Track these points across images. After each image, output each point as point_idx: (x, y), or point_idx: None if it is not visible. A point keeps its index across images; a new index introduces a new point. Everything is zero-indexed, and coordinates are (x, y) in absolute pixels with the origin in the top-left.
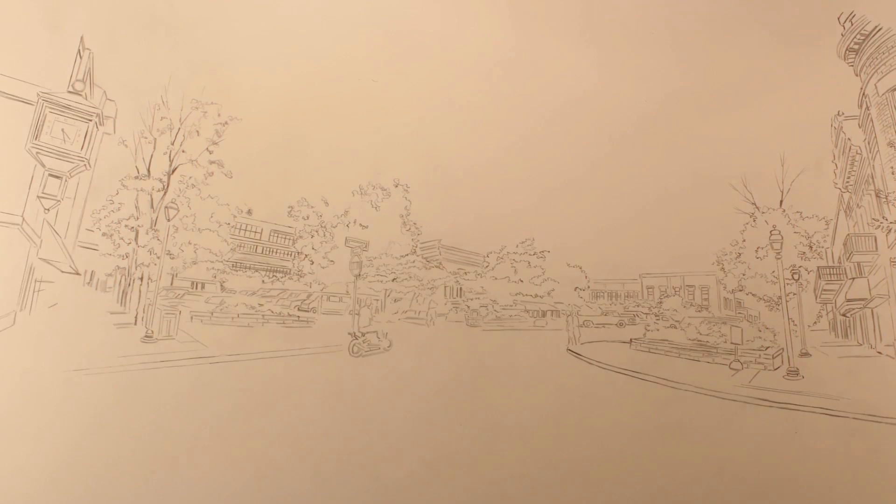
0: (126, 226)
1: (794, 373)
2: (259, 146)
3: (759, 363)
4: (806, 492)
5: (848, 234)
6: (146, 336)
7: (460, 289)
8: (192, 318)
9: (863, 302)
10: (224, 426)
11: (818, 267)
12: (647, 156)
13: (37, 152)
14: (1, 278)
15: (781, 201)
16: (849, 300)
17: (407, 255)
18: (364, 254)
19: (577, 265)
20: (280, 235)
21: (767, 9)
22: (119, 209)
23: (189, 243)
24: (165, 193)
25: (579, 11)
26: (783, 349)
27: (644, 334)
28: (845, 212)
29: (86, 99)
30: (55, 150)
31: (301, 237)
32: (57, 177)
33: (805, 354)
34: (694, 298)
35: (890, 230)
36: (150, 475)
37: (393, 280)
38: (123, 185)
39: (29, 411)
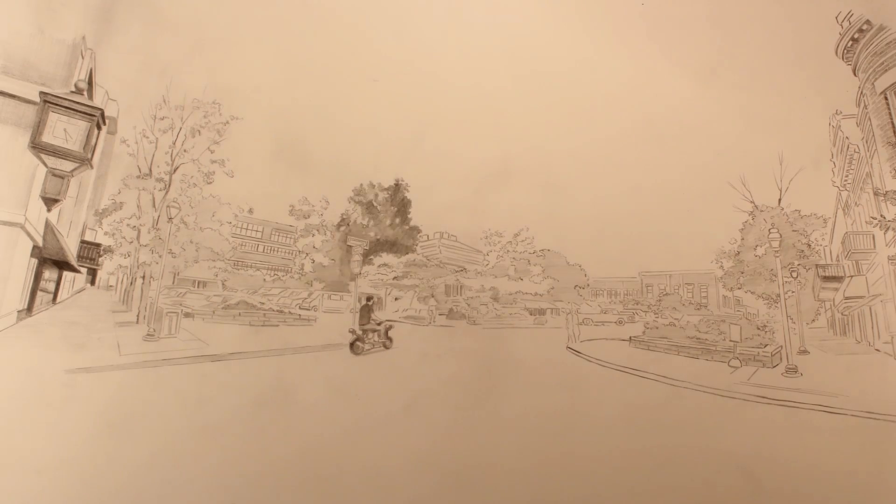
0: (128, 225)
1: (792, 370)
2: (260, 145)
3: (758, 361)
4: (804, 489)
5: (846, 233)
6: (148, 334)
7: (461, 287)
8: (193, 316)
9: (861, 300)
10: (226, 424)
11: (816, 265)
12: (646, 155)
13: (39, 152)
14: (3, 277)
15: (780, 200)
16: (847, 298)
17: (407, 254)
18: (365, 253)
19: (576, 263)
20: (281, 234)
21: (766, 8)
22: (121, 208)
23: (191, 242)
24: (167, 193)
25: (580, 10)
26: (782, 347)
27: (643, 332)
28: (843, 210)
29: (88, 98)
30: (57, 149)
31: (302, 236)
32: (59, 176)
33: (803, 352)
34: (693, 296)
35: (888, 228)
36: (152, 473)
37: (394, 279)
38: (125, 185)
39: (31, 410)
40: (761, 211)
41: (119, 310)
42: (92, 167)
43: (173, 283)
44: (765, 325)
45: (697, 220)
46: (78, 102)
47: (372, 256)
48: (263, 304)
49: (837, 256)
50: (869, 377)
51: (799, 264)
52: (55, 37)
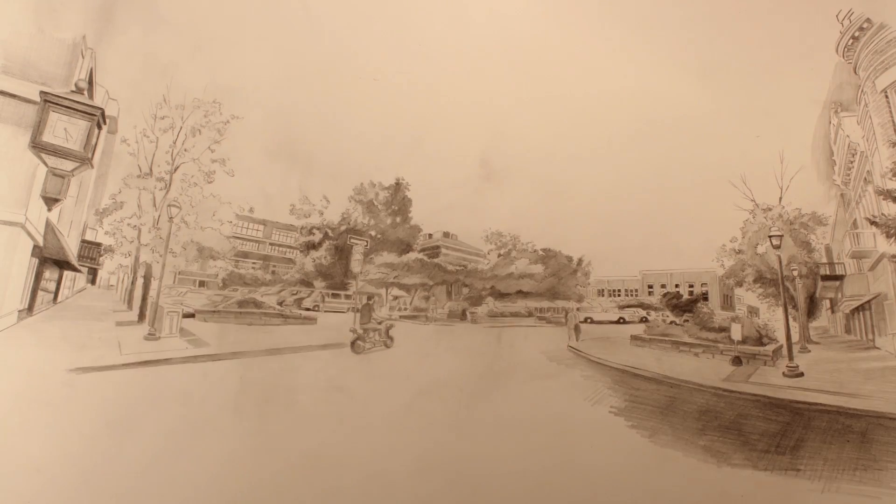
0: (129, 224)
1: (793, 368)
2: (261, 144)
3: (759, 359)
4: (805, 486)
5: (847, 231)
6: (149, 334)
7: (461, 286)
8: (194, 316)
9: (861, 298)
10: (226, 423)
11: (817, 263)
12: (647, 154)
13: (39, 151)
14: (4, 277)
15: (780, 198)
16: (847, 296)
17: (408, 253)
18: (365, 251)
19: (578, 262)
20: (282, 233)
21: (766, 7)
22: (121, 208)
23: (191, 241)
24: (168, 192)
25: (580, 11)
26: (783, 345)
27: (644, 331)
28: (844, 208)
29: (88, 98)
30: (58, 149)
31: (303, 235)
32: (59, 176)
33: (804, 350)
34: (694, 295)
35: (889, 227)
36: (152, 472)
37: (395, 278)
38: (126, 184)
39: (32, 409)
40: (762, 209)
41: (120, 309)
42: (92, 166)
43: (174, 282)
44: (766, 324)
45: (698, 218)
46: (78, 102)
47: (372, 255)
48: (264, 303)
49: (838, 255)
50: (870, 375)
51: (800, 262)
52: (55, 36)
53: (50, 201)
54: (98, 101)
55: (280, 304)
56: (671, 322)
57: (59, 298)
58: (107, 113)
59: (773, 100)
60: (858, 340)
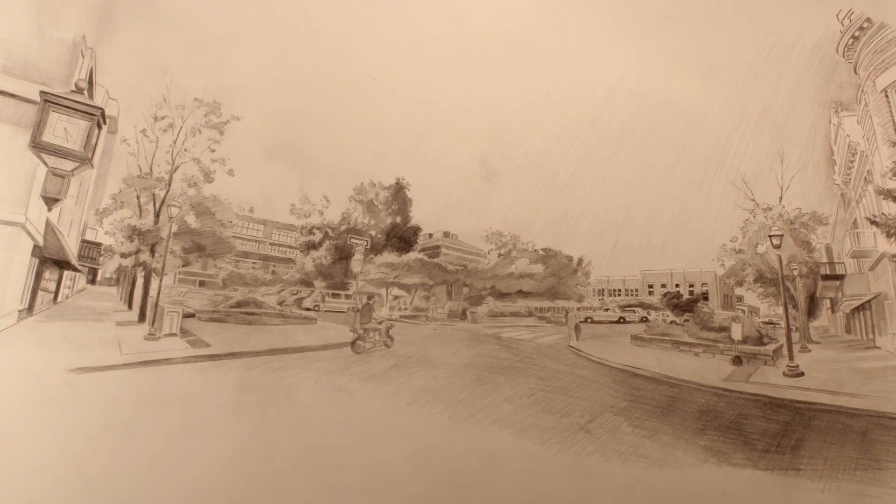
0: (129, 224)
1: (793, 368)
2: (260, 144)
3: (760, 358)
4: (805, 486)
5: (847, 231)
6: (149, 334)
7: (461, 286)
8: (194, 315)
9: (862, 297)
10: (226, 423)
11: (818, 263)
12: (648, 154)
13: (39, 151)
14: (4, 277)
15: (781, 198)
16: (848, 296)
17: (407, 253)
18: (366, 252)
19: (578, 262)
20: (282, 233)
21: (767, 6)
22: (122, 208)
23: (191, 241)
24: (168, 192)
25: (580, 11)
26: (783, 344)
27: (645, 330)
28: (844, 208)
29: (88, 98)
30: (58, 149)
31: (303, 235)
32: (60, 176)
33: (805, 349)
34: (694, 294)
35: (889, 226)
36: (153, 472)
37: (395, 278)
38: (126, 184)
39: (32, 409)
40: (762, 209)
41: (120, 309)
42: (92, 166)
43: (174, 282)
44: (766, 323)
45: (699, 218)
46: (78, 102)
47: (373, 255)
48: (264, 303)
49: (838, 254)
50: (870, 375)
51: (800, 262)
52: (55, 36)
53: (50, 201)
54: (98, 101)
55: (280, 304)
56: (671, 322)
57: (60, 298)
58: (107, 113)
59: (773, 100)
60: (859, 340)
